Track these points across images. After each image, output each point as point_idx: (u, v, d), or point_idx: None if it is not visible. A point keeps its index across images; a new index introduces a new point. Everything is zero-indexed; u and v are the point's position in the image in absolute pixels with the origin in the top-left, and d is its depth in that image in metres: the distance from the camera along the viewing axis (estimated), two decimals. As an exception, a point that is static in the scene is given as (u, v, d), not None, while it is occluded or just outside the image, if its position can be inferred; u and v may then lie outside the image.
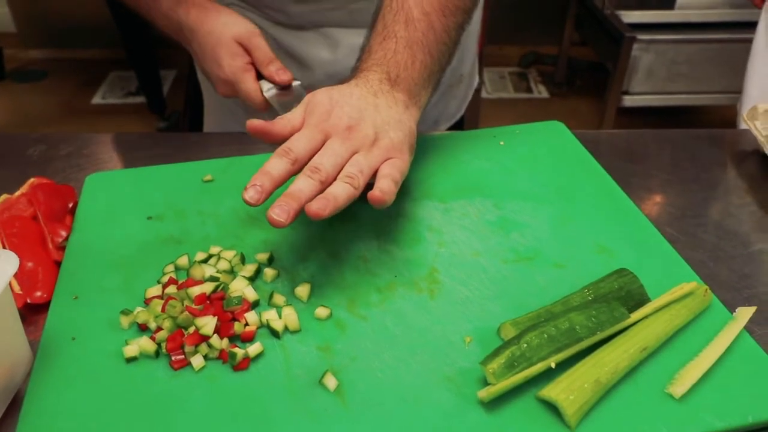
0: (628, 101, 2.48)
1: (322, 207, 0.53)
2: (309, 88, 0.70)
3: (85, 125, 2.86)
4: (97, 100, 3.07)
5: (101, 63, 3.30)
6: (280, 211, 0.53)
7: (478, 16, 1.02)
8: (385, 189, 0.56)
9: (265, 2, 0.89)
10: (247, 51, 0.76)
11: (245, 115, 0.97)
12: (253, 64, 0.76)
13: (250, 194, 0.54)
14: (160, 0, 0.79)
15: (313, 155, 0.58)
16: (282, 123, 0.60)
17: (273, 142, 0.60)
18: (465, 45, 1.01)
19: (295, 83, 0.76)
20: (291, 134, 0.59)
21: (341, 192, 0.55)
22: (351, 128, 0.59)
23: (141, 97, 2.96)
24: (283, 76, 0.74)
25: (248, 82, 0.75)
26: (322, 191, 0.55)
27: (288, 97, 0.75)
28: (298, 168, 0.57)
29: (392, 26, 0.67)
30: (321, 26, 0.89)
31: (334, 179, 0.56)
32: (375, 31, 0.69)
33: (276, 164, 0.56)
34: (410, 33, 0.67)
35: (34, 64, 3.34)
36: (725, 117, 2.76)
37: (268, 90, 0.75)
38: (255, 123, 0.59)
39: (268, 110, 0.77)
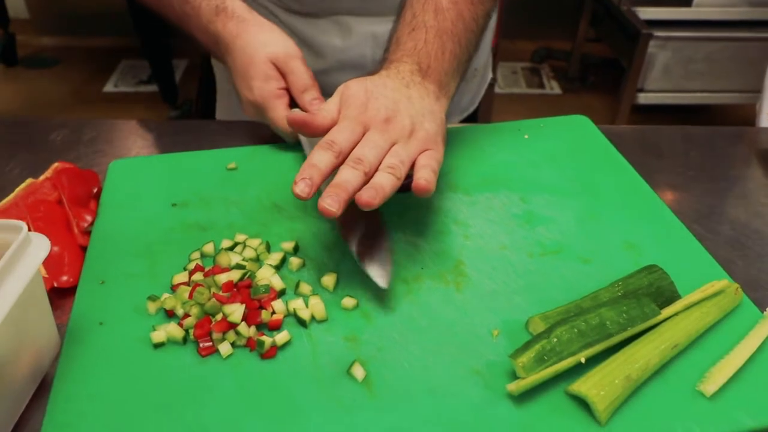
0: (643, 99, 2.47)
1: (372, 196, 0.53)
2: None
3: (97, 113, 2.86)
4: (109, 88, 3.07)
5: (113, 51, 3.30)
6: (332, 201, 0.53)
7: None
8: (428, 178, 0.56)
9: None
10: (283, 74, 0.72)
11: None
12: (287, 88, 0.73)
13: (301, 188, 0.54)
14: (200, 13, 0.74)
15: (354, 147, 0.58)
16: (322, 115, 0.60)
17: (313, 135, 0.61)
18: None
19: None
20: (330, 126, 0.60)
21: (387, 182, 0.55)
22: (389, 120, 0.59)
23: (153, 86, 2.96)
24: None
25: (278, 110, 0.71)
26: (366, 182, 0.55)
27: None
28: (341, 160, 0.57)
29: (421, 16, 0.67)
30: (334, 14, 0.88)
31: (376, 170, 0.57)
32: (403, 21, 0.68)
33: (322, 157, 0.56)
34: (440, 23, 0.66)
35: (46, 51, 3.34)
36: (742, 116, 2.74)
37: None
38: (295, 115, 0.60)
39: (296, 140, 0.74)
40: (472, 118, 1.10)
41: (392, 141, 0.59)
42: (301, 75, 0.72)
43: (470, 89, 1.06)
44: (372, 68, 0.75)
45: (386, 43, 0.70)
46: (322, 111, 0.61)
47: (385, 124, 0.59)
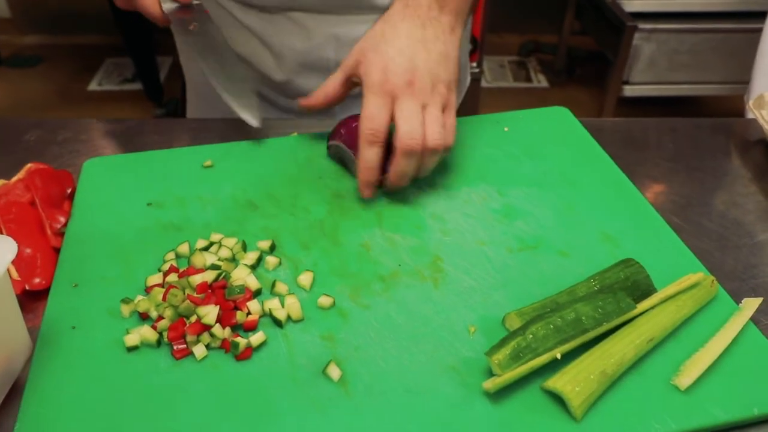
0: (629, 91, 2.47)
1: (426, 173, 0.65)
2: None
3: (81, 112, 2.83)
4: (93, 86, 3.04)
5: (97, 49, 3.27)
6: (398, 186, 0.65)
7: None
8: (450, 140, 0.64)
9: None
10: None
11: (220, 101, 0.95)
12: None
13: (367, 194, 0.65)
14: None
15: (390, 119, 0.62)
16: (322, 92, 0.69)
17: (326, 108, 0.70)
18: None
19: (195, 1, 0.72)
20: (333, 96, 0.68)
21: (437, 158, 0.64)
22: (411, 83, 0.62)
23: (138, 84, 2.94)
24: None
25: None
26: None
27: (187, 15, 0.72)
28: (385, 142, 0.63)
29: None
30: (289, 9, 0.84)
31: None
32: None
33: (371, 154, 0.62)
34: None
35: (29, 50, 3.30)
36: (727, 107, 2.75)
37: (167, 4, 0.69)
38: (304, 103, 0.70)
39: (170, 24, 0.72)
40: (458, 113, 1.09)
41: (422, 103, 0.62)
42: None
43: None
44: (335, 71, 0.76)
45: None
46: (322, 90, 0.69)
47: (409, 88, 0.62)
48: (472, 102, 1.11)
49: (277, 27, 0.87)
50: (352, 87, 0.70)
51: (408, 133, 0.61)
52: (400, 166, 0.63)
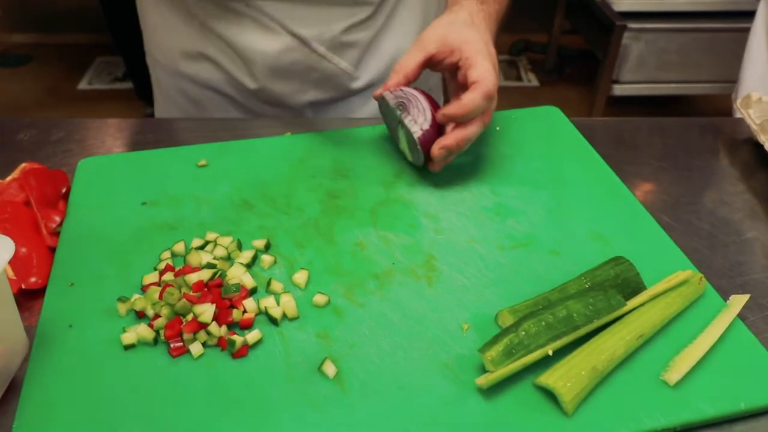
0: (618, 90, 2.48)
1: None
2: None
3: (71, 111, 2.82)
4: (83, 85, 3.02)
5: (87, 48, 3.25)
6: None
7: None
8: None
9: None
10: None
11: (190, 105, 0.95)
12: None
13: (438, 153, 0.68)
14: None
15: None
16: (402, 72, 0.70)
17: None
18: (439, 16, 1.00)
19: None
20: (413, 77, 0.71)
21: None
22: (495, 66, 0.69)
23: (128, 83, 2.92)
24: None
25: None
26: None
27: None
28: None
29: None
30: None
31: None
32: None
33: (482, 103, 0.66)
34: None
35: (17, 49, 3.28)
36: (716, 106, 2.78)
37: None
38: (382, 90, 0.71)
39: None
40: None
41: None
42: None
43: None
44: (308, 76, 0.77)
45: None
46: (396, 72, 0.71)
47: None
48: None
49: (242, 26, 0.84)
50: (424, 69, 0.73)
51: (494, 85, 0.67)
52: (472, 131, 0.67)
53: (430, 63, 0.72)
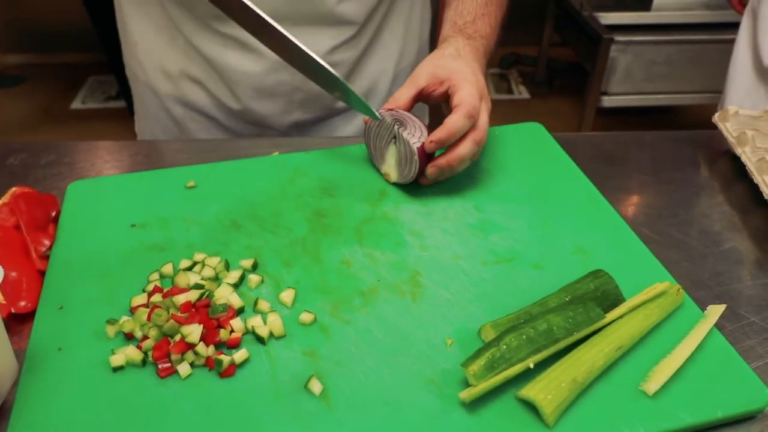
0: (607, 102, 2.52)
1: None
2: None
3: (65, 131, 2.83)
4: (76, 104, 3.04)
5: (80, 67, 3.27)
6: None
7: (427, 6, 1.03)
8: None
9: None
10: None
11: (171, 123, 0.97)
12: None
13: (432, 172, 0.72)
14: None
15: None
16: (393, 105, 0.74)
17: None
18: (421, 39, 1.03)
19: None
20: (405, 109, 0.74)
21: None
22: (483, 96, 0.72)
23: (121, 102, 2.94)
24: None
25: None
26: None
27: None
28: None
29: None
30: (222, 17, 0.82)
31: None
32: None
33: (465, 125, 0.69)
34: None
35: (11, 69, 3.30)
36: (703, 116, 2.80)
37: None
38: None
39: None
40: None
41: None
42: None
43: None
44: (292, 97, 0.77)
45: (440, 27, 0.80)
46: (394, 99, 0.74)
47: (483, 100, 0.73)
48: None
49: (224, 45, 0.85)
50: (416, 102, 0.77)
51: (474, 105, 0.70)
52: (466, 150, 0.70)
53: (422, 95, 0.75)
